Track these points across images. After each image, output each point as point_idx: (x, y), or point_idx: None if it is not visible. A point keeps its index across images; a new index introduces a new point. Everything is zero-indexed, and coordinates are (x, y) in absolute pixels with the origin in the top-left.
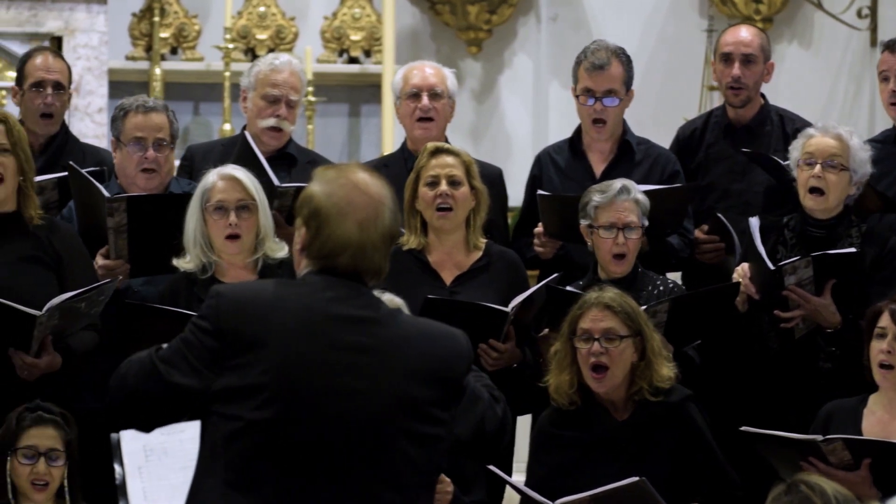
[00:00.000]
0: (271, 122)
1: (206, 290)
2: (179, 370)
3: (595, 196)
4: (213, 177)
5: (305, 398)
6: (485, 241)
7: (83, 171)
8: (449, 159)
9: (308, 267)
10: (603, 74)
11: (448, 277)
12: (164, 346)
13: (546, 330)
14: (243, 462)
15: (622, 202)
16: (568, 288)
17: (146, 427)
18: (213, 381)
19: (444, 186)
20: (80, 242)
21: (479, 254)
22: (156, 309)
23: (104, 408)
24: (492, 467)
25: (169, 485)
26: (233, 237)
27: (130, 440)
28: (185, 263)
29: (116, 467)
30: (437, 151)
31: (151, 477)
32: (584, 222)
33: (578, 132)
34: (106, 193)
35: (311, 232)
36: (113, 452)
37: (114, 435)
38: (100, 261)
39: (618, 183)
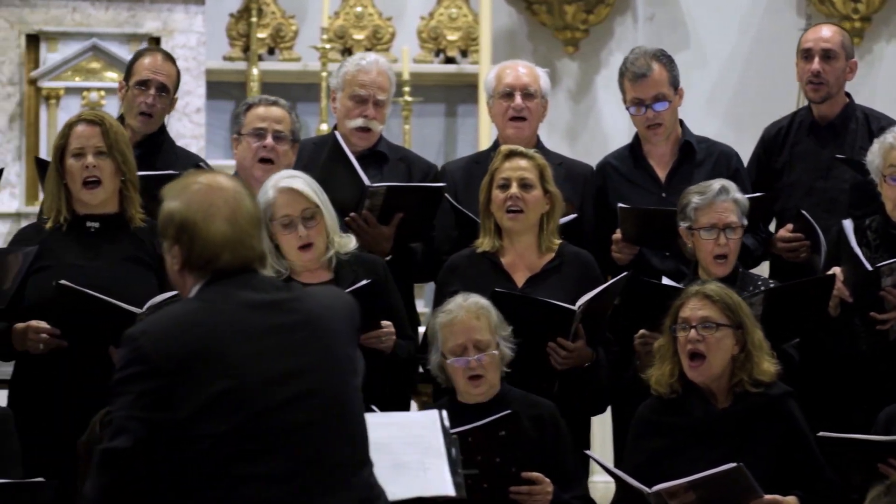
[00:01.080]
0: (359, 122)
1: None
2: (127, 431)
3: (694, 198)
4: (271, 192)
5: (265, 394)
6: (559, 242)
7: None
8: (522, 162)
9: (197, 281)
10: (647, 81)
11: (520, 279)
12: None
13: (642, 330)
14: (221, 476)
15: (721, 203)
16: (666, 281)
17: None
18: (166, 418)
19: (514, 189)
20: None
21: (552, 255)
22: None
23: None
24: (589, 452)
25: None
26: (306, 247)
27: None
28: None
29: None
30: (510, 154)
31: None
32: (683, 224)
33: (638, 138)
34: None
35: (185, 246)
36: None
37: None
38: None
39: (716, 184)
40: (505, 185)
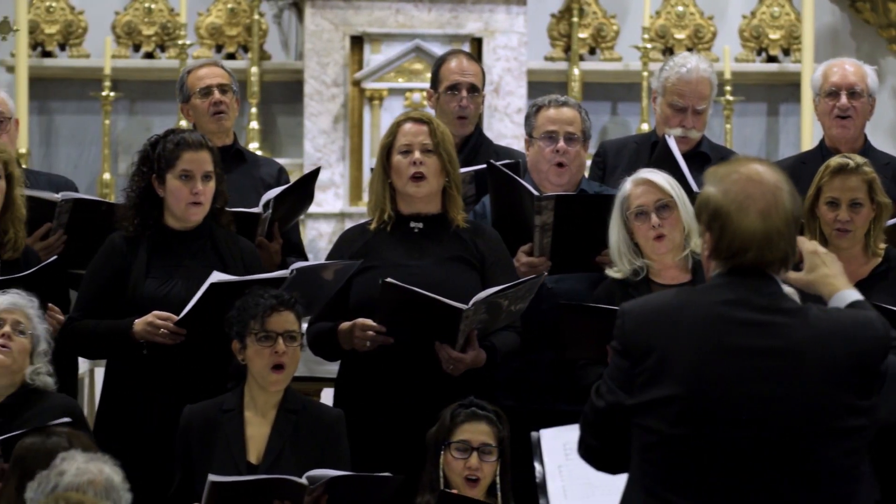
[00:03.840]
0: (678, 131)
1: (640, 290)
2: (601, 395)
3: None
4: (628, 185)
5: (717, 409)
6: (884, 246)
7: (506, 170)
8: (852, 181)
9: (716, 269)
10: None
11: None
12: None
13: None
14: (660, 472)
15: None
16: None
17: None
18: (624, 399)
19: (843, 213)
20: (504, 246)
21: (879, 260)
22: (591, 308)
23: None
24: None
25: (588, 483)
26: (660, 238)
27: (551, 438)
28: (614, 273)
29: (536, 465)
30: (839, 171)
31: (571, 475)
32: None
33: None
34: (534, 192)
35: (715, 234)
36: (533, 451)
37: (534, 433)
38: (522, 258)
39: None
40: (834, 204)
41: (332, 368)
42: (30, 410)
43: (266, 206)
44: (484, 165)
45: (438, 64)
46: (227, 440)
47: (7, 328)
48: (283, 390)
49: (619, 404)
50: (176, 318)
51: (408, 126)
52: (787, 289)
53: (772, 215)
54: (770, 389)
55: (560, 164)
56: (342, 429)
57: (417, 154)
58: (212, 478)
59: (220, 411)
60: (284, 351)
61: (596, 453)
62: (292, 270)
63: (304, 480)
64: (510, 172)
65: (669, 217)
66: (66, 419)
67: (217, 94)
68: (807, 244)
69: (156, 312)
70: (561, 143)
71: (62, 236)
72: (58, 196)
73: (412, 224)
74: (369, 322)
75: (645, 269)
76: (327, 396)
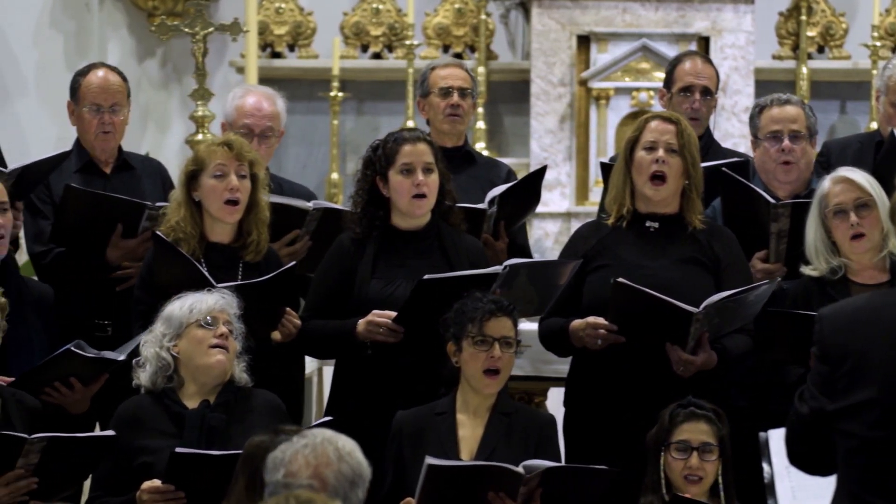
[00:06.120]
0: None
1: (838, 289)
2: (804, 401)
3: None
4: (827, 183)
5: None
6: None
7: (740, 178)
8: None
9: None
10: None
11: None
12: None
13: None
14: (863, 477)
15: None
16: None
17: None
18: (826, 405)
19: None
20: (739, 247)
21: None
22: (793, 314)
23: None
24: None
25: (817, 484)
26: (858, 237)
27: (780, 439)
28: (810, 271)
29: (765, 466)
30: None
31: (800, 476)
32: None
33: None
34: (770, 199)
35: None
36: (761, 451)
37: (762, 434)
38: (758, 264)
39: None
40: None
41: (558, 368)
42: (242, 407)
43: (491, 202)
44: (714, 163)
45: (673, 64)
46: (439, 440)
47: (223, 328)
48: (496, 393)
49: (821, 410)
50: (394, 315)
51: (655, 123)
52: None
53: None
54: None
55: (787, 163)
56: (554, 433)
57: (661, 153)
58: (429, 460)
59: (433, 415)
60: (500, 356)
61: (803, 458)
62: (505, 267)
63: (520, 469)
64: (744, 180)
65: (869, 216)
66: (328, 418)
67: (456, 97)
68: None
69: (375, 311)
70: (786, 142)
71: (307, 243)
72: (309, 204)
73: (648, 223)
74: (601, 321)
75: (843, 269)
76: (553, 396)
